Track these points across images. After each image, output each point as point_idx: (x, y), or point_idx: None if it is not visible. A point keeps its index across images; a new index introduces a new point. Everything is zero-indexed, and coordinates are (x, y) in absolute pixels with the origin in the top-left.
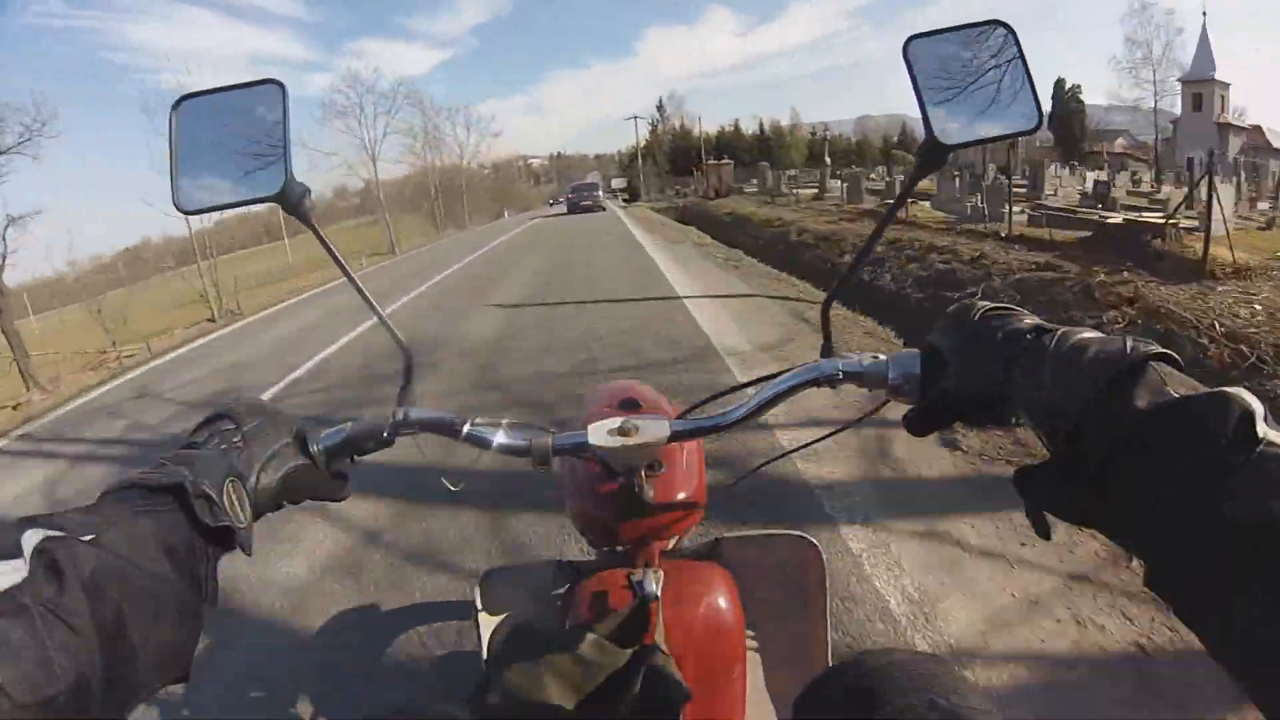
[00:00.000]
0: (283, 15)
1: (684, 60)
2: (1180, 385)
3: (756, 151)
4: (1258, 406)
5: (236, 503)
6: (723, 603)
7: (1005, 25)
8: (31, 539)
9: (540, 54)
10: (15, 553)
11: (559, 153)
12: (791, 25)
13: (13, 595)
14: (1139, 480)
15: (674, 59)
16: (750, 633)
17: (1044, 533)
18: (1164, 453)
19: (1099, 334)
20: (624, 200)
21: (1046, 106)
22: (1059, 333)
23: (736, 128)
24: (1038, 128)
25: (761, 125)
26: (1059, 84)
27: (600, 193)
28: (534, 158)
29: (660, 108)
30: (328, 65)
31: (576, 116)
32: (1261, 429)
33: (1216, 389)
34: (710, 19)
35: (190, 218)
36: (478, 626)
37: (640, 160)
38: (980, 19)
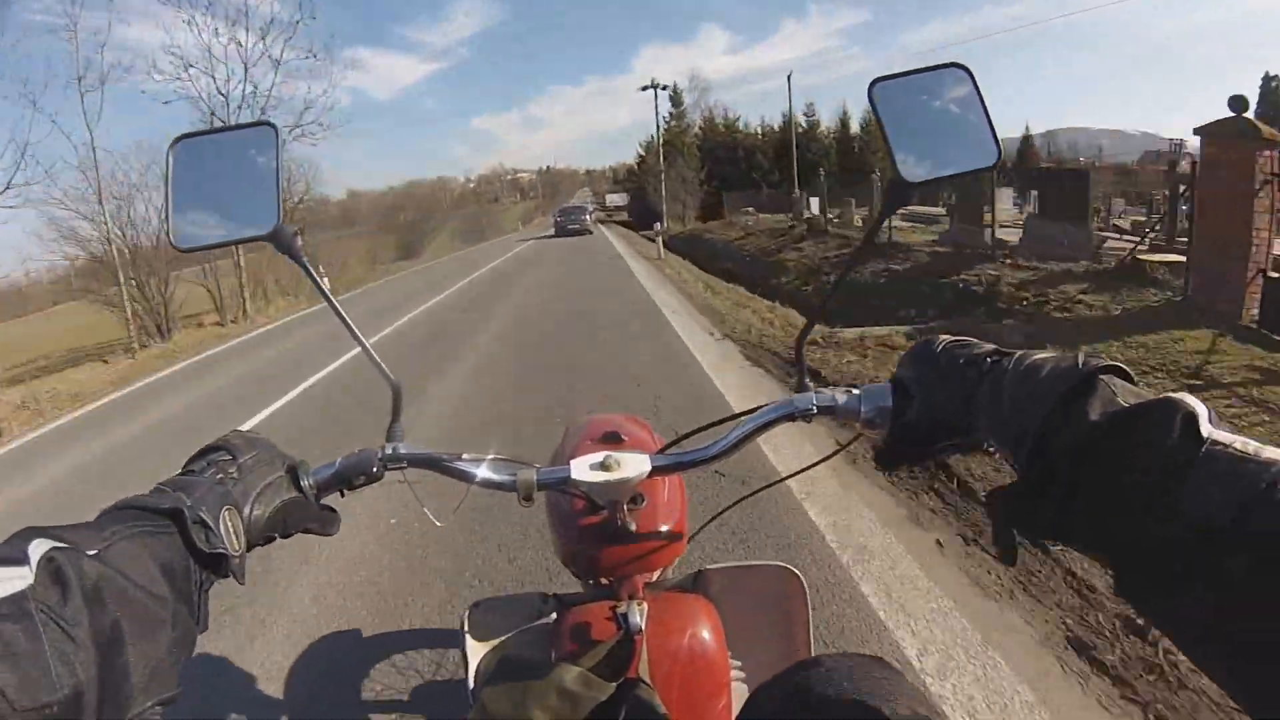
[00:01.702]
0: (275, 20)
1: (678, 76)
2: (1129, 395)
3: (836, 157)
4: (1201, 409)
5: (232, 531)
6: (706, 634)
7: (963, 67)
8: (39, 548)
9: (534, 68)
10: (22, 560)
11: (548, 166)
12: (783, 43)
13: (18, 600)
14: (1098, 488)
15: (668, 76)
16: (734, 663)
17: (1010, 559)
18: (1119, 459)
19: (1053, 353)
20: (638, 232)
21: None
22: (1016, 355)
23: (794, 123)
24: (996, 164)
25: (845, 117)
26: (1269, 80)
27: (588, 216)
28: (522, 172)
29: (675, 97)
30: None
31: (569, 132)
32: (1206, 429)
33: (1162, 395)
34: (704, 36)
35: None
36: (465, 656)
37: (661, 161)
38: (942, 61)
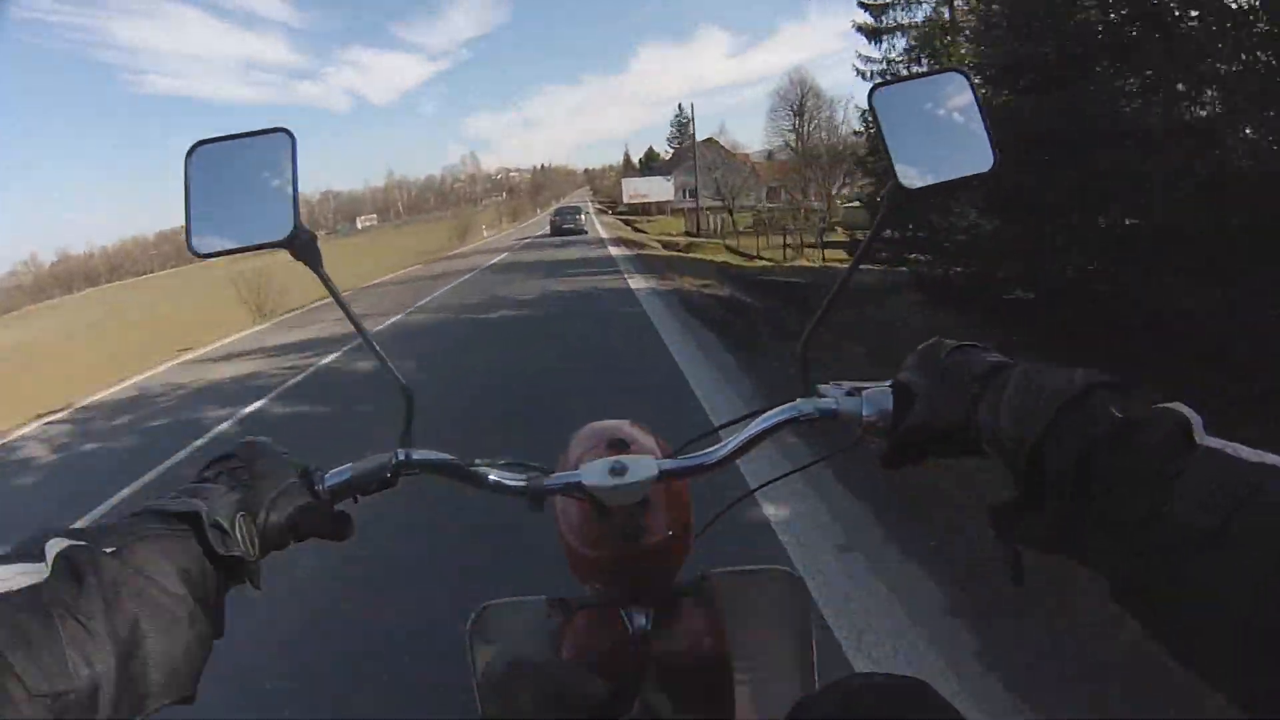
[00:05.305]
0: (275, 20)
1: (677, 78)
2: (1125, 407)
3: None
4: (1194, 418)
5: (246, 537)
6: (710, 638)
7: (963, 72)
8: (55, 546)
9: (533, 69)
10: (38, 557)
11: (542, 165)
12: (785, 45)
13: (33, 594)
14: (1095, 499)
15: (666, 77)
16: (738, 665)
17: (1018, 578)
18: (1114, 470)
19: (1053, 366)
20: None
21: None
22: (1019, 367)
23: None
24: (993, 169)
25: None
26: None
27: (582, 215)
28: (514, 171)
29: None
30: (317, 74)
31: (566, 134)
32: (1199, 437)
33: (1157, 406)
34: (703, 37)
35: None
36: (471, 660)
37: None
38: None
